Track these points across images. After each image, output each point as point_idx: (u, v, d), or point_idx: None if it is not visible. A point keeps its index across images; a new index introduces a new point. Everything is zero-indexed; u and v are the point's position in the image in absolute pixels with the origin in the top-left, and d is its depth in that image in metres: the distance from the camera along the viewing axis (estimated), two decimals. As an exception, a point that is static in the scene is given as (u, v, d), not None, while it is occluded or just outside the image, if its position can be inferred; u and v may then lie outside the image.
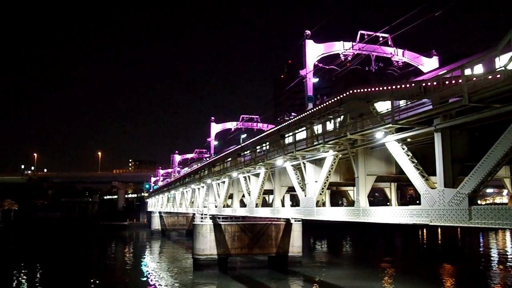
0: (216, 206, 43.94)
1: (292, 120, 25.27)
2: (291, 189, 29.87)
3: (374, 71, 30.31)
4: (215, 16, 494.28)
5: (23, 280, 40.42)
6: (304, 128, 23.45)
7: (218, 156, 44.93)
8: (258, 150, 30.37)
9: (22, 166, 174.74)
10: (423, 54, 32.67)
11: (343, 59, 29.95)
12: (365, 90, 17.27)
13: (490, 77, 11.45)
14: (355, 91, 18.08)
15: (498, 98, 11.55)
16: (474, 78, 11.97)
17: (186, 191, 62.84)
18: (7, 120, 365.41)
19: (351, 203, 27.07)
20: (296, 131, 24.27)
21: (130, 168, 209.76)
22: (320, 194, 22.54)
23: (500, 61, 12.24)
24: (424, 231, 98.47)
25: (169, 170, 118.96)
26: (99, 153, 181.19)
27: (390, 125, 15.03)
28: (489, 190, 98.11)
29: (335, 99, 19.78)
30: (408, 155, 15.44)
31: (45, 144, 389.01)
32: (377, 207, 18.66)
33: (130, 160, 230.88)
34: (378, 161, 19.50)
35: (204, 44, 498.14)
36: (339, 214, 20.74)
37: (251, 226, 44.06)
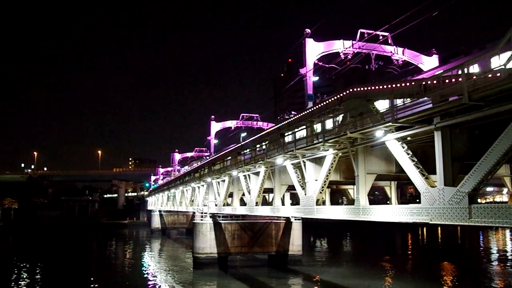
0: (216, 205, 43.97)
1: (292, 119, 25.27)
2: (291, 188, 29.88)
3: (374, 70, 30.32)
4: (215, 14, 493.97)
5: (23, 280, 40.43)
6: (304, 126, 23.47)
7: (218, 155, 44.94)
8: (258, 149, 30.38)
9: (22, 165, 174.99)
10: (423, 53, 32.65)
11: (343, 58, 29.95)
12: (365, 88, 17.28)
13: (490, 75, 11.46)
14: (355, 89, 18.08)
15: (498, 97, 11.56)
16: (474, 77, 11.98)
17: (186, 190, 62.86)
18: (7, 119, 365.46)
19: (351, 202, 27.10)
20: (296, 130, 24.29)
21: (130, 167, 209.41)
22: (320, 192, 22.56)
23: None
24: (424, 229, 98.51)
25: (169, 169, 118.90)
26: (99, 152, 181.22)
27: (390, 123, 15.04)
28: (489, 189, 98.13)
29: (335, 97, 19.79)
30: (408, 154, 15.46)
31: (45, 143, 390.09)
32: (377, 206, 18.70)
33: (130, 159, 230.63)
34: (378, 160, 19.52)
35: (204, 43, 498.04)
36: (339, 212, 20.75)
37: (251, 224, 44.09)
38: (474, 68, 14.69)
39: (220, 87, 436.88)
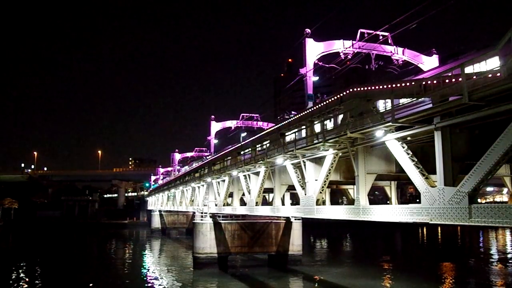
0: (216, 205, 43.97)
1: (292, 119, 25.28)
2: (291, 188, 29.89)
3: (374, 70, 30.31)
4: (215, 14, 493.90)
5: (23, 279, 40.44)
6: (304, 126, 23.47)
7: (218, 155, 44.93)
8: (258, 149, 30.38)
9: (22, 165, 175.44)
10: (423, 53, 32.64)
11: (343, 58, 29.94)
12: (365, 88, 17.28)
13: (490, 75, 11.45)
14: (355, 89, 18.08)
15: (498, 97, 11.56)
16: (474, 77, 11.98)
17: (186, 190, 62.86)
18: (7, 119, 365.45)
19: (351, 202, 27.11)
20: (296, 130, 24.29)
21: (130, 167, 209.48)
22: (320, 192, 22.55)
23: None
24: (424, 229, 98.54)
25: (169, 169, 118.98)
26: (99, 152, 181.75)
27: (390, 123, 15.02)
28: (489, 189, 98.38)
29: (335, 97, 19.79)
30: (408, 154, 15.45)
31: (45, 143, 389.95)
32: (377, 206, 18.69)
33: (130, 159, 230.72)
34: (378, 160, 19.51)
35: (204, 43, 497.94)
36: (339, 212, 20.74)
37: (251, 224, 44.09)
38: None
39: (220, 87, 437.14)
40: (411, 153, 15.43)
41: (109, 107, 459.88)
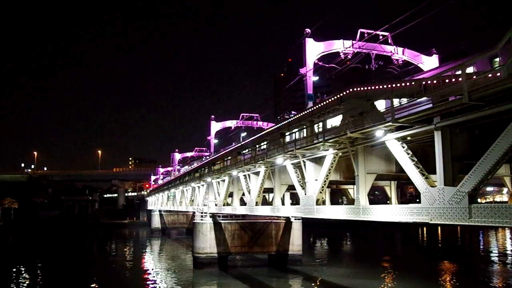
0: (216, 205, 43.98)
1: (292, 119, 25.29)
2: (291, 188, 29.89)
3: (374, 70, 30.32)
4: (215, 14, 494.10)
5: (23, 279, 40.45)
6: (304, 126, 23.49)
7: (218, 155, 44.96)
8: (258, 149, 30.39)
9: (22, 165, 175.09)
10: (423, 53, 32.65)
11: (343, 58, 29.95)
12: (365, 88, 17.28)
13: (490, 75, 11.46)
14: (355, 89, 18.09)
15: (498, 97, 11.56)
16: (474, 77, 11.99)
17: (186, 190, 62.89)
18: (7, 119, 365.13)
19: (351, 202, 27.12)
20: (296, 130, 24.31)
21: (130, 167, 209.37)
22: (320, 192, 22.56)
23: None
24: (424, 229, 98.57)
25: (169, 169, 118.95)
26: (99, 152, 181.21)
27: (390, 123, 15.02)
28: (489, 189, 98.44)
29: (335, 97, 19.81)
30: (408, 153, 15.45)
31: (45, 142, 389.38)
32: (377, 206, 18.70)
33: (130, 159, 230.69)
34: (378, 160, 19.52)
35: (204, 43, 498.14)
36: (339, 212, 20.75)
37: (251, 224, 44.10)
38: None
39: (220, 87, 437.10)
40: (411, 153, 15.43)
41: (109, 107, 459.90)
